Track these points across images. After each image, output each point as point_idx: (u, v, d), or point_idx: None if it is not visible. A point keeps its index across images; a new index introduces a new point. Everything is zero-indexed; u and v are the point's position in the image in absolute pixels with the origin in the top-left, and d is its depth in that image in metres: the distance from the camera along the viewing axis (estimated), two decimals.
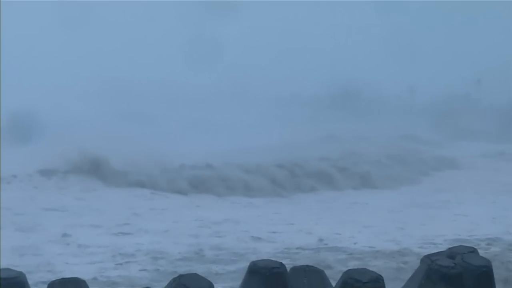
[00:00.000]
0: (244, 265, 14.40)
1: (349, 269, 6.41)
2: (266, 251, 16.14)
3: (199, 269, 13.51)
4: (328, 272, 6.93)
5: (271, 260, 6.57)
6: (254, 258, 8.60)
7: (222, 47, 61.69)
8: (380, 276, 6.30)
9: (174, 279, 6.14)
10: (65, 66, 60.91)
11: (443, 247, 11.77)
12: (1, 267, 6.35)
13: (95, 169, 28.53)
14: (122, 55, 64.30)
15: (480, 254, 6.90)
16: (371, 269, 6.53)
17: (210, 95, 57.21)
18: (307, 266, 6.79)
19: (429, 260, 6.44)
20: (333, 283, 6.59)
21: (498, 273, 8.26)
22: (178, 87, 58.76)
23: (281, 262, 6.50)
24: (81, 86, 54.43)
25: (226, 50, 61.90)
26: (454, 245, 7.18)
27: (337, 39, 74.53)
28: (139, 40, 71.01)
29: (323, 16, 76.63)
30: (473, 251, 6.78)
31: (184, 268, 14.17)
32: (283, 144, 37.21)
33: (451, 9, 73.36)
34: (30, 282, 6.38)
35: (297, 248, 16.96)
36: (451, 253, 6.73)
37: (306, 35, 74.78)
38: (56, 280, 6.33)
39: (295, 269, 6.73)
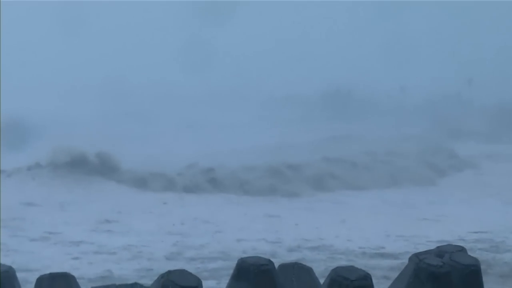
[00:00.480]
0: (228, 263, 14.41)
1: (337, 267, 6.39)
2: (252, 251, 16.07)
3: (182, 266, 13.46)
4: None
5: (260, 257, 6.53)
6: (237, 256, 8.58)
7: (217, 49, 61.77)
8: (368, 274, 6.29)
9: (162, 275, 6.11)
10: (62, 68, 60.92)
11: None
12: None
13: (95, 166, 28.44)
14: (119, 57, 64.34)
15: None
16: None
17: (206, 96, 57.30)
18: (296, 263, 6.78)
19: (417, 259, 6.43)
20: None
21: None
22: (175, 89, 58.83)
23: (269, 259, 6.47)
24: (79, 88, 54.47)
25: (221, 52, 62.01)
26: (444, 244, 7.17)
27: (330, 41, 74.61)
28: (136, 43, 71.10)
29: (316, 18, 76.69)
30: (462, 250, 6.77)
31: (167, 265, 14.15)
32: (287, 145, 37.07)
33: (443, 10, 73.50)
34: None
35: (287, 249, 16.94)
36: (440, 252, 6.72)
37: (300, 37, 74.87)
38: (45, 275, 6.32)
39: (283, 266, 6.72)
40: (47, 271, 6.57)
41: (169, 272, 6.10)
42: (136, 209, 22.60)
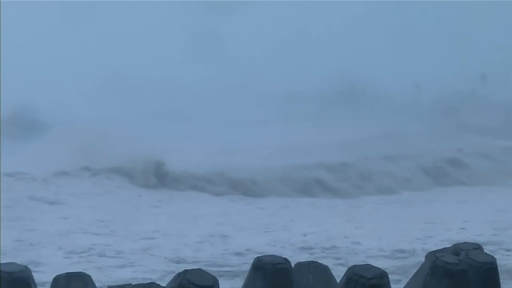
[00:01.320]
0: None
1: (354, 265, 6.40)
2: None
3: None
4: None
5: (276, 256, 6.56)
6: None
7: (227, 43, 61.67)
8: (385, 272, 6.29)
9: (178, 274, 6.14)
10: (68, 65, 60.93)
11: None
12: (4, 262, 6.36)
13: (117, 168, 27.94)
14: (126, 53, 64.25)
15: None
16: None
17: (217, 92, 57.09)
18: (312, 262, 6.79)
19: (433, 257, 6.43)
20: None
21: None
22: (186, 84, 58.67)
23: (285, 258, 6.49)
24: (88, 84, 54.35)
25: (231, 47, 61.88)
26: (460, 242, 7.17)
27: (344, 36, 74.45)
28: (143, 38, 70.94)
29: (330, 13, 76.51)
30: (478, 247, 6.77)
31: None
32: (314, 144, 36.03)
33: (456, 6, 73.28)
34: None
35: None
36: (456, 249, 6.72)
37: (313, 32, 74.71)
38: (61, 274, 6.35)
39: (299, 264, 6.73)
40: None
41: (186, 271, 6.13)
42: (145, 210, 22.46)
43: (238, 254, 16.14)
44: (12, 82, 45.00)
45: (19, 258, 14.44)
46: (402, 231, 18.79)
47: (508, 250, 16.50)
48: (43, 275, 10.27)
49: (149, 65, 63.67)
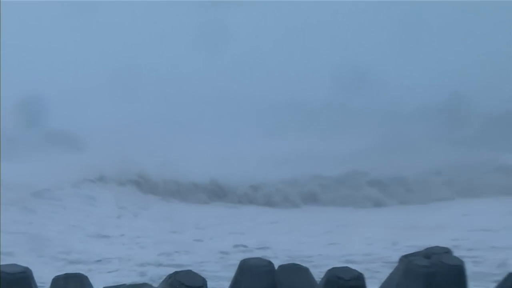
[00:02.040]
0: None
1: (333, 267, 6.72)
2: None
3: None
4: None
5: (261, 259, 6.86)
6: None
7: (225, 46, 61.41)
8: (361, 274, 6.65)
9: (169, 276, 6.40)
10: (72, 61, 60.39)
11: None
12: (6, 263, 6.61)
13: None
14: (126, 50, 63.77)
15: None
16: None
17: (213, 97, 56.75)
18: (294, 264, 7.13)
19: (406, 260, 6.82)
20: None
21: None
22: (183, 86, 58.28)
23: (270, 261, 6.81)
24: (89, 83, 53.74)
25: (229, 48, 61.59)
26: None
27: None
28: (142, 39, 70.52)
29: (325, 16, 76.41)
30: (448, 251, 7.17)
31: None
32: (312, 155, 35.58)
33: (434, 18, 73.67)
34: None
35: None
36: (427, 253, 7.11)
37: (308, 35, 74.59)
38: (60, 275, 6.65)
39: (283, 267, 7.06)
40: None
41: (176, 272, 6.42)
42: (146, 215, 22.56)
43: (219, 258, 16.35)
44: (15, 82, 44.67)
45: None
46: None
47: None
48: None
49: (147, 65, 63.30)
